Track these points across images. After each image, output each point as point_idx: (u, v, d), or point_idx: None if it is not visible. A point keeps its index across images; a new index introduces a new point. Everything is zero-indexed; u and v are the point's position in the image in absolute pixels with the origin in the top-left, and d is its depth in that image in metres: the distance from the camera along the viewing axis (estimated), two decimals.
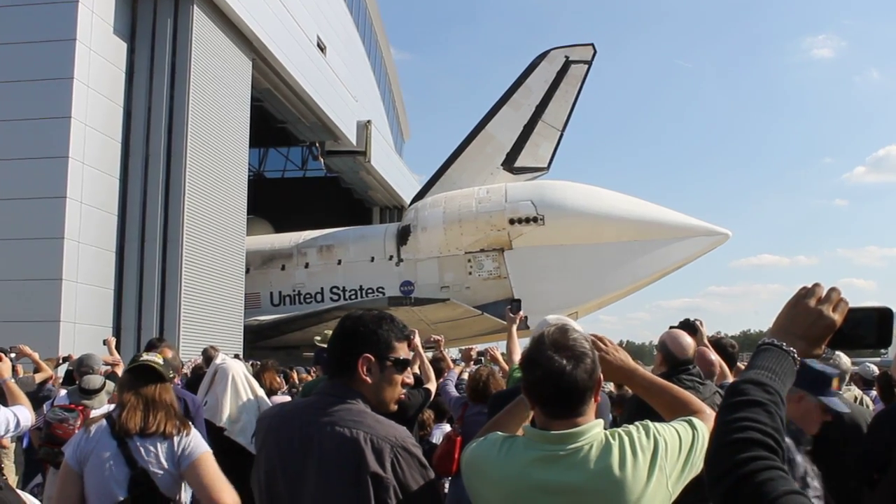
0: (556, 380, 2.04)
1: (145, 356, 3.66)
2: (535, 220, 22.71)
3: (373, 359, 2.38)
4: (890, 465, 3.59)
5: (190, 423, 3.50)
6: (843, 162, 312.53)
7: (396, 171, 34.84)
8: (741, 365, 6.32)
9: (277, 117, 26.57)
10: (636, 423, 2.13)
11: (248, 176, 22.15)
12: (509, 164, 25.46)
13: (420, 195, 25.97)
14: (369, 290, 24.40)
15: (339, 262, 24.93)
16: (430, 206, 24.28)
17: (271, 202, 31.09)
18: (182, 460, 3.22)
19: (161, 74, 18.11)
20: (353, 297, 24.40)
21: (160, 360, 3.63)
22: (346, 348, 2.42)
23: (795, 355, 1.67)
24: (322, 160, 30.29)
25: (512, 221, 22.86)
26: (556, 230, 22.60)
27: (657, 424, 2.13)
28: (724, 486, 1.47)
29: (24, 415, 4.20)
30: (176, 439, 3.28)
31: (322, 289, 24.99)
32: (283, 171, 38.60)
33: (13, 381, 4.64)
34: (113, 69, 17.55)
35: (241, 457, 5.30)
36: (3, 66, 16.24)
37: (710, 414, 2.23)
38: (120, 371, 7.10)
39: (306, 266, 25.25)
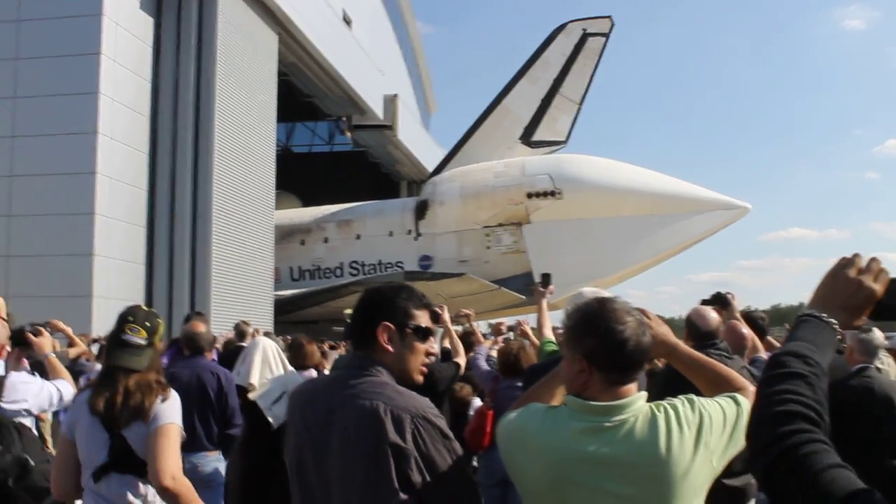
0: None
1: (126, 334, 3.36)
2: (552, 193, 22.68)
3: (392, 327, 2.37)
4: None
5: (170, 388, 3.37)
6: (874, 134, 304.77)
7: (423, 145, 34.60)
8: (771, 339, 6.31)
9: (304, 91, 26.44)
10: (680, 396, 2.10)
11: (276, 150, 22.19)
12: (527, 138, 25.39)
13: (438, 170, 25.95)
14: (388, 265, 24.45)
15: (358, 237, 25.05)
16: (448, 180, 24.31)
17: (299, 177, 30.97)
18: (150, 423, 3.24)
19: (188, 49, 18.11)
20: (371, 271, 24.49)
21: (142, 337, 3.37)
22: (365, 319, 2.42)
23: (836, 326, 1.65)
24: (349, 134, 30.22)
25: (529, 195, 22.85)
26: (574, 204, 22.54)
27: (701, 399, 2.10)
28: (766, 460, 1.46)
29: (67, 389, 4.27)
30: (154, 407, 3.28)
31: (341, 263, 25.13)
32: (310, 145, 38.50)
33: (53, 355, 4.72)
34: (140, 44, 17.58)
35: (267, 429, 5.43)
36: (31, 42, 16.30)
37: (753, 391, 2.20)
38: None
39: (325, 241, 25.37)
